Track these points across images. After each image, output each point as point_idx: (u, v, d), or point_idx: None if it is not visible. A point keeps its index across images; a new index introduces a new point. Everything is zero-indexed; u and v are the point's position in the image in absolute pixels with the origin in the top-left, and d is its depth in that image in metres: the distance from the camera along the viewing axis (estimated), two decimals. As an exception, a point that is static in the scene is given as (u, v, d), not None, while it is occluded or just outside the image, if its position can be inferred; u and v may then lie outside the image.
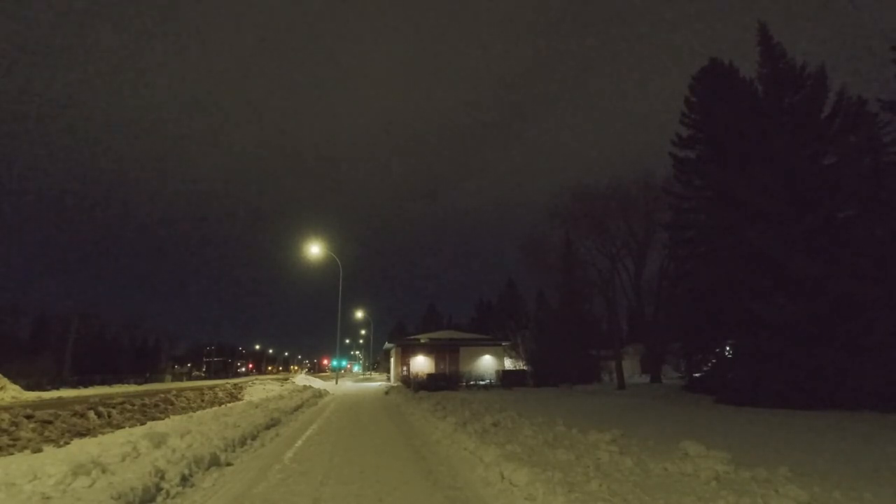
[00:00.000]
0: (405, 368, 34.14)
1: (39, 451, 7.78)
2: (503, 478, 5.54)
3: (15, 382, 21.73)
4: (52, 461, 5.97)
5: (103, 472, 5.56)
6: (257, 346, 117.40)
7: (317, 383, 33.71)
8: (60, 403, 13.28)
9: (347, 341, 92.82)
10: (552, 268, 32.08)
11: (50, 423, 10.52)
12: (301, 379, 41.22)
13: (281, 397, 18.87)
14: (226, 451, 7.41)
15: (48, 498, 4.75)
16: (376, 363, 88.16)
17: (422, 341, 35.56)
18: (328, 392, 25.90)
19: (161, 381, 49.51)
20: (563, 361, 28.95)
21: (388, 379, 43.48)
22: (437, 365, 33.51)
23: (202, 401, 18.48)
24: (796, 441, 8.42)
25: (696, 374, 21.10)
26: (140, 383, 38.82)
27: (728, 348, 19.40)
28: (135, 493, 4.77)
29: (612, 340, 29.27)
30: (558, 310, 32.61)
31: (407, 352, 34.94)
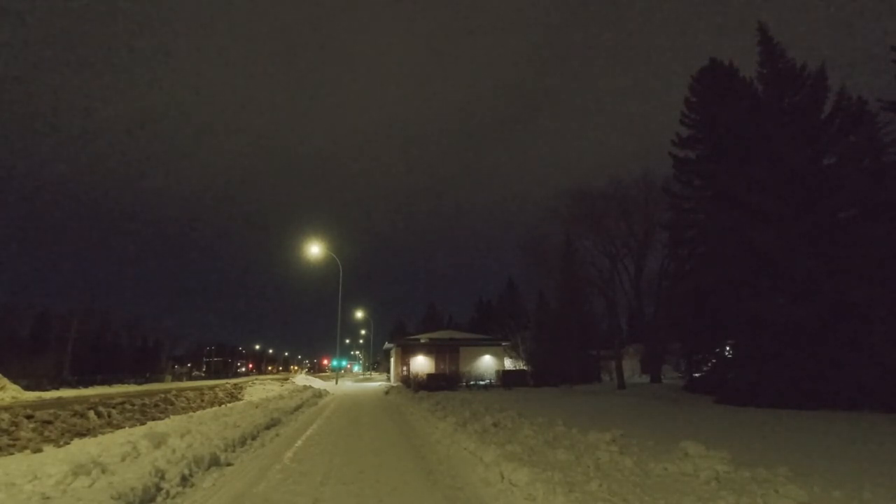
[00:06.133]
0: (405, 368, 34.14)
1: (39, 451, 7.79)
2: (503, 478, 5.54)
3: (15, 382, 21.73)
4: (52, 461, 5.97)
5: (103, 472, 5.56)
6: (257, 346, 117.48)
7: (317, 383, 33.72)
8: (60, 403, 13.27)
9: (347, 341, 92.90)
10: (552, 268, 32.08)
11: (50, 423, 10.55)
12: (301, 379, 41.25)
13: (281, 397, 18.87)
14: (226, 451, 7.41)
15: (48, 498, 4.75)
16: (376, 363, 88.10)
17: (422, 341, 35.55)
18: (328, 392, 25.90)
19: (161, 381, 49.52)
20: (563, 361, 28.95)
21: (388, 379, 43.49)
22: (437, 365, 33.50)
23: (202, 401, 18.52)
24: (796, 441, 8.42)
25: (696, 374, 21.10)
26: (140, 383, 38.82)
27: (728, 348, 19.41)
28: (135, 493, 4.77)
29: (612, 340, 29.26)
30: (558, 310, 32.56)
31: (407, 352, 34.94)
